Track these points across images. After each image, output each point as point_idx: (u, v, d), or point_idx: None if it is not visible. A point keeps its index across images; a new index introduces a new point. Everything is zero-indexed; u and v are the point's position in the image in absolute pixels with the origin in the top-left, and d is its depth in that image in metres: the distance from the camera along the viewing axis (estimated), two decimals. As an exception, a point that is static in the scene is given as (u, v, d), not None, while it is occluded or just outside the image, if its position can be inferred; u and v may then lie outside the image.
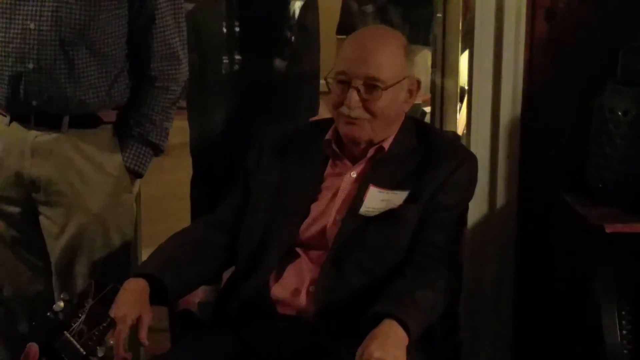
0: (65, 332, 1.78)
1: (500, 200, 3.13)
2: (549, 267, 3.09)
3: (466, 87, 3.29)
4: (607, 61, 2.96)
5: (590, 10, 3.04)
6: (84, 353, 1.80)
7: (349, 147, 2.67)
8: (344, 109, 2.58)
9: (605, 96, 2.89)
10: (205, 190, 3.87)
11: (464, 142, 3.13)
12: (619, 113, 2.85)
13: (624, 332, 2.50)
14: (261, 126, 3.54)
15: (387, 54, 2.60)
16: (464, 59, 3.39)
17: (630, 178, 2.86)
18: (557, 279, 3.04)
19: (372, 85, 2.56)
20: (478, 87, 3.12)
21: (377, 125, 2.60)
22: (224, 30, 3.91)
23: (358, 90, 2.56)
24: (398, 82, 2.59)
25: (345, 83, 2.58)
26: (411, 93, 2.66)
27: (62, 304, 1.83)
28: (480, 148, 3.06)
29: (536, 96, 3.09)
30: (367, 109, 2.57)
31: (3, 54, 2.77)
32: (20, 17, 2.73)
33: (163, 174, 3.31)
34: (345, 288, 2.53)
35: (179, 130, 3.29)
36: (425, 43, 4.21)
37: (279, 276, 2.61)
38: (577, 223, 2.84)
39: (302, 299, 2.57)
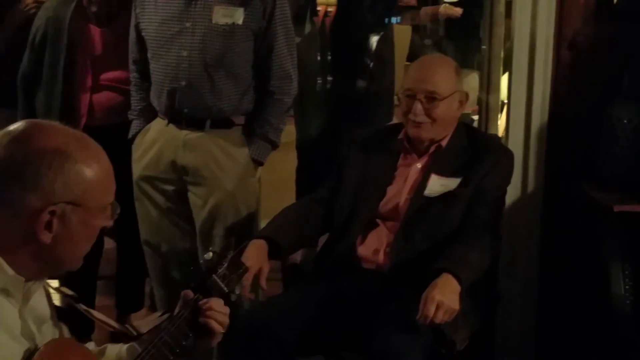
0: (213, 275, 1.83)
1: (530, 187, 3.09)
2: (568, 239, 3.04)
3: (505, 101, 3.27)
4: (616, 81, 2.91)
5: (602, 42, 2.98)
6: (227, 291, 1.85)
7: (415, 145, 2.68)
8: (411, 116, 2.60)
9: (614, 108, 2.86)
10: (307, 176, 3.87)
11: (503, 141, 3.11)
12: (625, 121, 2.81)
13: (627, 286, 2.48)
14: (348, 129, 3.60)
15: (442, 74, 2.62)
16: (504, 79, 3.37)
17: (633, 170, 2.81)
18: (575, 248, 3.00)
19: (431, 98, 2.57)
20: (515, 100, 3.08)
21: (436, 127, 2.62)
22: (318, 58, 3.94)
23: (421, 102, 2.58)
24: (451, 95, 2.60)
25: (411, 97, 2.60)
26: (461, 103, 2.67)
27: (211, 254, 1.89)
28: (515, 146, 3.02)
29: (560, 107, 3.05)
30: (429, 116, 2.58)
31: (163, 74, 2.83)
32: (176, 47, 2.79)
33: (277, 163, 3.34)
34: (413, 250, 2.55)
35: (288, 132, 3.33)
36: (474, 67, 4.19)
37: (363, 240, 2.64)
38: (591, 204, 2.81)
39: (381, 257, 2.60)
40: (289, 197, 3.69)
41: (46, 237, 1.48)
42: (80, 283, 2.82)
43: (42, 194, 1.46)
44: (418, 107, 2.58)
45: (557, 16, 2.99)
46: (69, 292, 1.85)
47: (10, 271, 1.48)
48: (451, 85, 2.61)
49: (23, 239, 1.48)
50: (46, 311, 1.64)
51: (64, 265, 1.56)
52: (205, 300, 1.75)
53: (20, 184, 1.45)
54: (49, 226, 1.47)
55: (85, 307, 1.86)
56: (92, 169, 1.51)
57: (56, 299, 1.74)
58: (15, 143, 1.48)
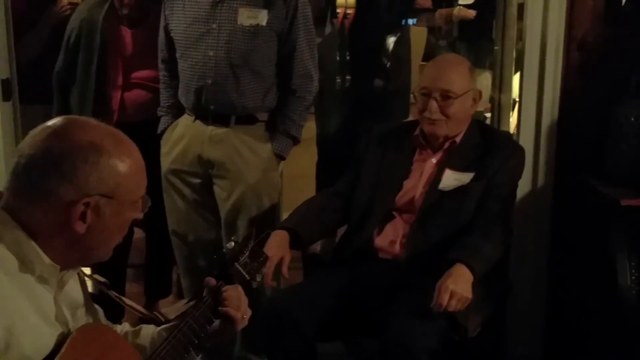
0: (235, 263, 1.84)
1: (540, 181, 3.08)
2: (577, 232, 3.03)
3: (517, 99, 3.26)
4: (623, 80, 2.89)
5: (611, 44, 2.97)
6: (248, 278, 1.85)
7: (430, 141, 2.67)
8: (426, 114, 2.59)
9: (621, 106, 2.83)
10: (326, 170, 3.86)
11: (514, 138, 3.09)
12: (632, 119, 2.79)
13: (633, 277, 2.46)
14: (366, 126, 3.57)
15: (456, 73, 2.59)
16: (516, 78, 3.35)
17: (639, 166, 2.79)
18: (583, 241, 2.99)
19: (446, 96, 2.56)
20: (526, 99, 3.07)
21: (451, 124, 2.60)
22: (338, 58, 3.93)
23: (436, 100, 2.56)
24: (465, 93, 2.58)
25: (427, 95, 2.59)
26: (475, 101, 2.64)
27: (232, 244, 1.89)
28: (526, 143, 3.01)
29: (569, 106, 3.03)
30: (443, 113, 2.57)
31: (190, 73, 2.83)
32: (203, 48, 2.79)
33: (298, 158, 3.32)
34: (427, 241, 2.54)
35: (309, 128, 3.31)
36: (487, 67, 4.16)
37: (380, 231, 2.64)
38: (599, 199, 2.80)
39: (397, 248, 2.59)
40: (310, 190, 3.68)
41: (80, 227, 1.48)
42: (111, 271, 2.82)
43: (77, 186, 1.47)
44: (433, 105, 2.57)
45: (567, 18, 2.98)
46: (101, 279, 1.86)
47: (46, 259, 1.49)
48: (465, 84, 2.59)
49: (59, 228, 1.48)
50: (80, 298, 1.65)
51: (96, 255, 1.57)
52: (226, 287, 1.75)
53: (57, 176, 1.46)
54: (83, 217, 1.48)
55: (116, 294, 1.87)
56: (125, 164, 1.51)
57: (89, 286, 1.75)
58: (54, 138, 1.48)
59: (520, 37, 3.17)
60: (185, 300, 3.02)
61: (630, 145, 2.81)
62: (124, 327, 1.80)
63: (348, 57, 3.95)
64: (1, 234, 1.46)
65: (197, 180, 2.93)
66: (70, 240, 1.50)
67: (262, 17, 2.76)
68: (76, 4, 3.28)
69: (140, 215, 1.60)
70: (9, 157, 3.11)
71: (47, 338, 1.48)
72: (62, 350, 1.47)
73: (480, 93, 2.67)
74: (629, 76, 2.89)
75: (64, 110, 3.19)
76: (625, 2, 2.94)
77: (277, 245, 2.50)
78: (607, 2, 2.95)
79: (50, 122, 1.52)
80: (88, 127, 1.52)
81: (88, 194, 1.47)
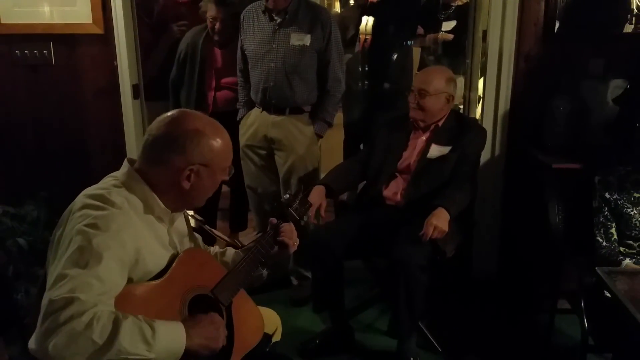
0: (289, 208, 1.81)
1: (497, 151, 3.02)
2: (522, 186, 2.98)
3: (481, 95, 3.18)
4: (556, 82, 2.83)
5: (547, 56, 2.89)
6: (298, 218, 1.83)
7: (419, 125, 2.59)
8: (409, 102, 2.55)
9: (554, 100, 2.78)
10: (350, 145, 3.84)
11: (479, 122, 3.02)
12: (561, 109, 2.75)
13: (559, 217, 2.41)
14: (378, 116, 3.53)
15: (433, 78, 2.52)
16: (481, 82, 3.26)
17: (565, 141, 2.75)
18: (526, 192, 2.94)
19: (423, 93, 2.50)
20: (487, 95, 3.00)
21: (425, 114, 2.54)
22: (359, 69, 3.86)
23: (415, 94, 2.52)
24: (437, 94, 2.50)
25: (413, 91, 2.54)
26: (448, 100, 2.55)
27: (287, 195, 1.86)
28: (488, 125, 2.96)
29: (518, 100, 2.96)
30: (418, 104, 2.52)
31: (258, 78, 2.80)
32: (267, 61, 2.75)
33: (331, 137, 3.29)
34: (418, 192, 2.51)
35: (338, 117, 3.24)
36: (461, 74, 4.05)
37: (387, 186, 2.60)
38: (538, 163, 2.74)
39: (398, 197, 2.56)
40: (339, 158, 3.65)
41: (186, 185, 1.47)
42: (207, 212, 2.85)
43: (185, 157, 1.45)
44: (412, 96, 2.54)
45: (517, 40, 2.91)
46: (199, 217, 1.85)
47: (161, 205, 1.48)
48: (439, 87, 2.51)
49: (171, 186, 1.47)
50: (185, 230, 1.65)
51: (194, 203, 1.55)
52: (283, 224, 1.73)
53: (172, 150, 1.44)
54: (188, 178, 1.47)
55: (209, 228, 1.87)
56: (218, 143, 1.49)
57: (192, 222, 1.74)
58: (171, 124, 1.46)
59: (484, 53, 3.09)
60: (255, 232, 3.03)
61: (560, 127, 2.77)
62: (215, 249, 1.79)
63: (367, 68, 3.86)
64: (133, 187, 1.46)
65: (263, 152, 2.91)
66: (178, 193, 1.49)
67: (307, 40, 2.71)
68: (184, 30, 3.30)
69: (226, 178, 1.57)
70: (140, 138, 3.13)
71: (163, 257, 1.49)
72: (173, 265, 1.48)
73: (452, 97, 2.57)
74: (559, 79, 2.84)
75: (176, 105, 3.20)
76: (557, 28, 2.86)
77: (317, 195, 2.49)
78: (545, 29, 2.88)
79: (169, 113, 1.50)
80: (194, 117, 1.49)
81: (192, 162, 1.45)
